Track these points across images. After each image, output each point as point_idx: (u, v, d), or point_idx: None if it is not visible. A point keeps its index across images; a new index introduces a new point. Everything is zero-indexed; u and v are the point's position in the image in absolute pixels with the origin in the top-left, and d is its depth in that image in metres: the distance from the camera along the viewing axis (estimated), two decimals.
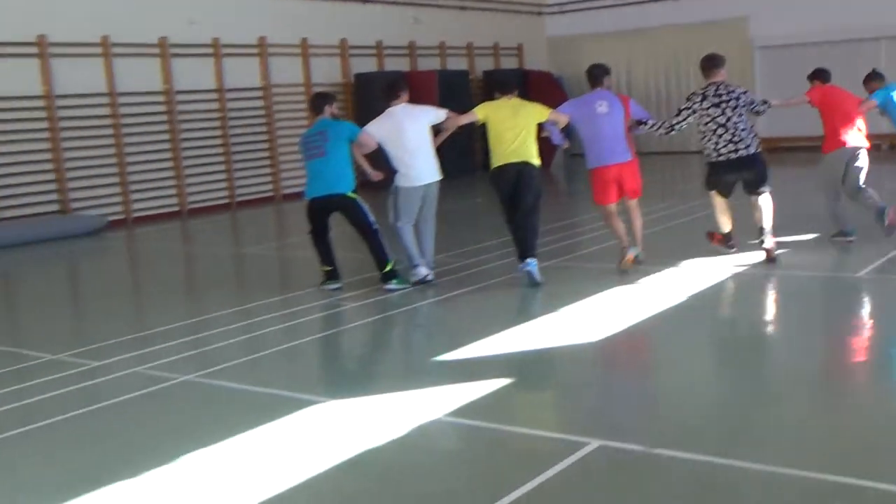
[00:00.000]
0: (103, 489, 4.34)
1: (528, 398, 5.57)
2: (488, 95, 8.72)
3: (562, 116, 8.53)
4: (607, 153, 8.44)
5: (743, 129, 8.32)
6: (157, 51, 15.17)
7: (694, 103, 8.47)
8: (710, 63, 8.54)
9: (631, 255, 8.59)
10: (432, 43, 20.16)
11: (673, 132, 8.70)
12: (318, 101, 8.64)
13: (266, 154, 17.01)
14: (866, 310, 7.31)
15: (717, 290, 7.89)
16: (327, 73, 17.96)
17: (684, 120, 8.52)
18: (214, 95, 16.02)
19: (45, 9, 13.75)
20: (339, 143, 8.25)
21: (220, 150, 16.22)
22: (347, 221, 8.43)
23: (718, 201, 8.74)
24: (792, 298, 7.72)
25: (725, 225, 8.83)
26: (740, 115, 8.33)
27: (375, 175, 8.52)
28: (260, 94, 16.80)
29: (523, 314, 7.61)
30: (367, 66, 18.53)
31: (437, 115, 8.63)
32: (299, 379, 6.09)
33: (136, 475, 4.47)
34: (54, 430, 5.27)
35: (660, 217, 11.65)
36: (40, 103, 13.77)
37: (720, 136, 8.34)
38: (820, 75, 9.49)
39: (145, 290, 10.08)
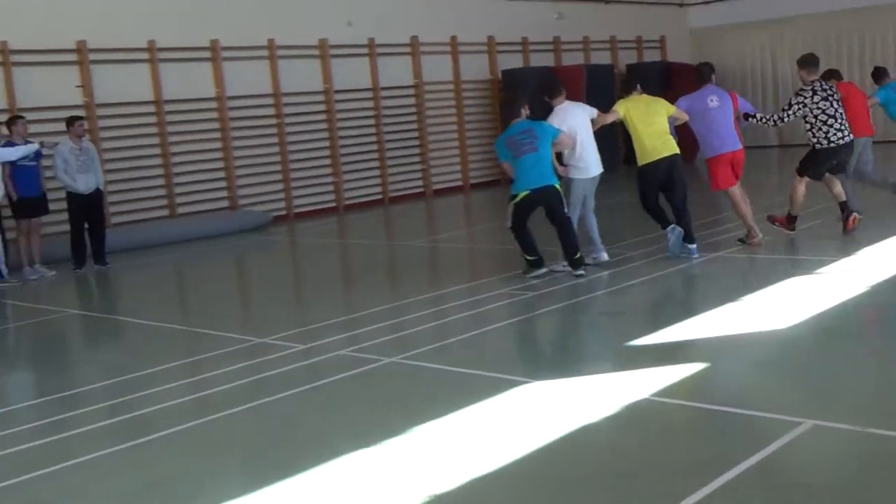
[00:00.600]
0: (342, 457, 4.72)
1: (731, 380, 5.69)
2: (625, 91, 9.32)
3: (682, 113, 9.29)
4: (725, 141, 9.27)
5: (844, 120, 9.46)
6: (317, 52, 15.82)
7: (805, 98, 9.37)
8: (814, 61, 9.68)
9: (758, 237, 9.39)
10: (576, 38, 20.29)
11: (780, 124, 9.72)
12: (514, 105, 8.99)
13: (417, 151, 17.47)
14: None
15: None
16: (475, 69, 18.32)
17: (794, 113, 9.45)
18: (369, 94, 16.58)
19: (219, 16, 14.53)
20: (546, 140, 8.68)
21: (375, 146, 16.77)
22: (546, 212, 8.80)
23: (803, 187, 9.62)
24: None
25: (797, 209, 9.72)
26: (840, 106, 9.48)
27: (563, 171, 9.08)
28: (412, 91, 17.28)
29: (705, 301, 7.73)
30: (514, 62, 18.80)
31: (592, 111, 9.24)
32: (501, 361, 6.37)
33: (367, 446, 4.83)
34: (284, 403, 5.73)
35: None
36: (213, 105, 14.57)
37: (830, 125, 9.36)
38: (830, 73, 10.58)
39: (324, 281, 10.60)
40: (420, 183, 17.60)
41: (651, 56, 21.95)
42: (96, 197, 11.53)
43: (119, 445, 5.15)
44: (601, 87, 17.89)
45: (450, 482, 4.32)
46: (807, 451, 4.47)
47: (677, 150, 9.06)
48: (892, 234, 9.46)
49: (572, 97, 9.76)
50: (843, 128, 9.44)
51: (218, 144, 14.70)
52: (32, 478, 4.76)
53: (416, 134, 17.45)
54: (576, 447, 4.72)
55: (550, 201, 8.71)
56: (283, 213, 15.49)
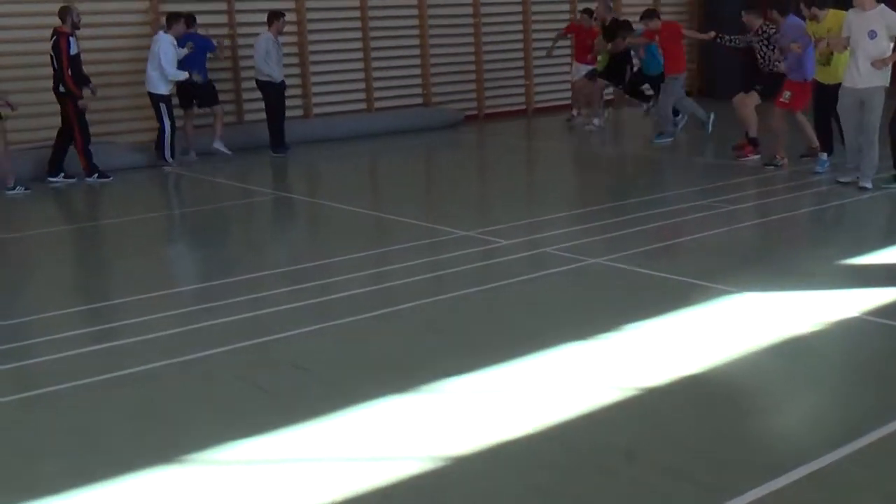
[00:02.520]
0: (550, 350, 4.97)
1: None
2: None
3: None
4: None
5: None
6: None
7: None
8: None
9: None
10: None
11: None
12: None
13: None
14: None
15: None
16: None
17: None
18: None
19: None
20: None
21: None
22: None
23: None
24: None
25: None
26: None
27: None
28: None
29: None
30: None
31: None
32: (710, 270, 6.41)
33: (576, 340, 5.07)
34: (499, 292, 6.04)
35: None
36: (413, 1, 14.78)
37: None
38: None
39: (518, 181, 10.82)
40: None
41: None
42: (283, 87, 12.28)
43: (376, 311, 5.60)
44: None
45: (658, 378, 4.51)
46: None
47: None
48: None
49: None
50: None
51: (416, 41, 14.96)
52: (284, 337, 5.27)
53: None
54: (782, 358, 4.80)
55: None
56: (475, 112, 15.70)
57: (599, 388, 4.42)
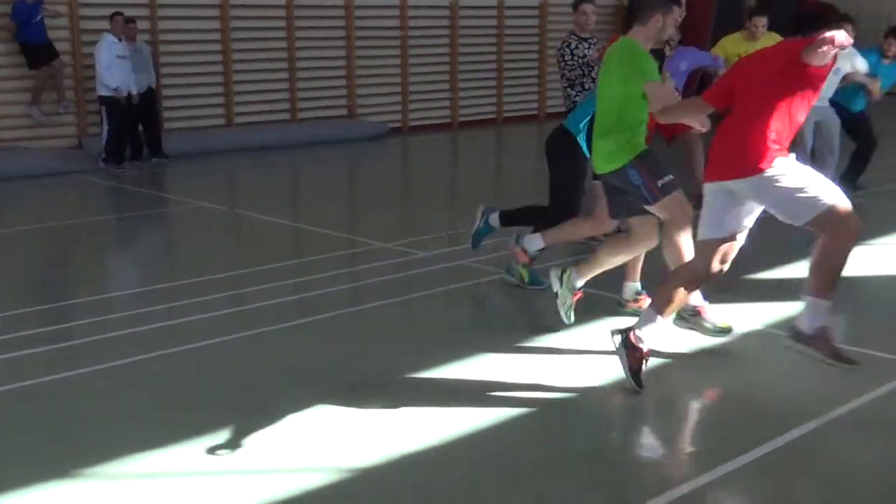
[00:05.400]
0: (468, 361, 4.97)
1: (850, 320, 5.74)
2: None
3: None
4: None
5: None
6: None
7: None
8: None
9: None
10: None
11: None
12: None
13: (535, 73, 17.42)
14: None
15: None
16: None
17: None
18: (494, 12, 16.53)
19: None
20: None
21: (494, 66, 16.78)
22: None
23: None
24: None
25: None
26: None
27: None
28: (536, 13, 17.16)
29: None
30: None
31: None
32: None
33: (497, 350, 5.07)
34: (414, 304, 6.01)
35: None
36: (340, 13, 14.75)
37: None
38: None
39: (439, 194, 10.83)
40: (535, 105, 17.58)
41: None
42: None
43: (289, 322, 5.53)
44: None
45: (565, 390, 4.53)
46: None
47: None
48: None
49: None
50: None
51: (342, 52, 14.92)
52: (145, 359, 5.17)
53: (535, 56, 17.37)
54: (690, 371, 4.87)
55: None
56: (399, 125, 15.71)
57: (509, 399, 4.43)
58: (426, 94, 16.07)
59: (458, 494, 3.59)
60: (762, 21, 8.62)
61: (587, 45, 7.61)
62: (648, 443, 4.04)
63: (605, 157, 5.06)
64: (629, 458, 3.89)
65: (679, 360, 4.96)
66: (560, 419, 4.27)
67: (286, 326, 5.58)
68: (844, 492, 3.59)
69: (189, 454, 3.89)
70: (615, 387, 4.57)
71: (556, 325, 5.40)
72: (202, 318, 5.72)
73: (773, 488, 3.61)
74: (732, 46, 8.63)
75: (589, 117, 5.87)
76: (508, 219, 6.52)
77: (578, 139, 6.14)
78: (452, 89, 16.30)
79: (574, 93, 7.66)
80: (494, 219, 6.53)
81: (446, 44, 16.10)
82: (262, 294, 6.19)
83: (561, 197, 6.22)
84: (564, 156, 6.26)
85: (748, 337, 5.34)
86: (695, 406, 4.58)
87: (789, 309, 5.69)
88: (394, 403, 4.39)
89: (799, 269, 6.64)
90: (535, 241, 6.07)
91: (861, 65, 8.69)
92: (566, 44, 7.70)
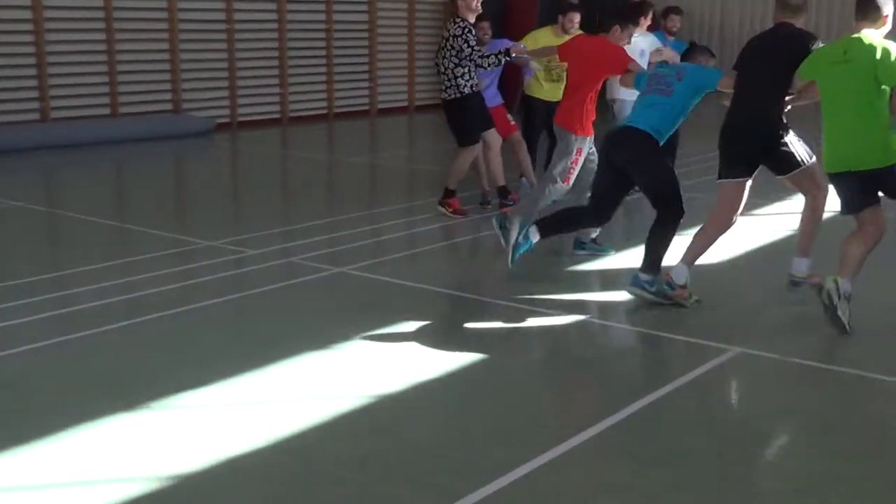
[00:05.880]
0: (294, 360, 4.93)
1: (664, 307, 6.03)
2: None
3: None
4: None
5: (444, 71, 8.12)
6: None
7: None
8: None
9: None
10: None
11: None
12: None
13: (366, 68, 17.41)
14: None
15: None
16: None
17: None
18: (322, 6, 16.41)
19: None
20: None
21: (323, 60, 16.67)
22: None
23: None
24: None
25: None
26: (447, 55, 8.08)
27: None
28: (365, 7, 17.14)
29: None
30: None
31: None
32: (456, 278, 6.56)
33: (325, 348, 5.06)
34: (241, 303, 5.90)
35: None
36: (163, 3, 14.27)
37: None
38: None
39: (269, 191, 10.67)
40: (366, 101, 17.58)
41: None
42: None
43: (113, 325, 5.30)
44: None
45: (395, 385, 4.57)
46: (735, 373, 4.83)
47: None
48: None
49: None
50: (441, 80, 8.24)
51: (165, 45, 14.46)
52: None
53: (366, 51, 17.37)
54: (515, 360, 5.00)
55: None
56: (227, 120, 15.37)
57: (337, 397, 4.43)
58: (255, 89, 15.77)
59: (287, 497, 3.56)
60: (576, 17, 8.91)
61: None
62: (476, 432, 4.11)
63: (883, 150, 5.21)
64: (463, 448, 3.95)
65: (499, 356, 5.08)
66: (386, 416, 4.30)
67: (110, 328, 5.37)
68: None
69: (7, 465, 3.69)
70: (446, 379, 4.64)
71: (383, 321, 5.44)
72: (21, 322, 5.44)
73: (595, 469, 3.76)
74: (543, 39, 8.86)
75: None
76: (547, 228, 6.34)
77: (656, 138, 6.00)
78: (282, 84, 16.09)
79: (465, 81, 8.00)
80: (533, 232, 6.28)
81: (274, 38, 15.86)
82: (83, 296, 5.94)
83: (676, 195, 5.97)
84: (659, 156, 6.11)
85: (570, 327, 5.53)
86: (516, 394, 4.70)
87: (611, 299, 5.95)
88: (220, 408, 4.31)
89: (616, 261, 6.96)
90: (681, 272, 5.84)
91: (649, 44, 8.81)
92: (467, 30, 7.88)
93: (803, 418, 4.30)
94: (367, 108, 17.55)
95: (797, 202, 6.50)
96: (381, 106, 17.70)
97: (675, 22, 9.86)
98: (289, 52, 16.02)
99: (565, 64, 7.56)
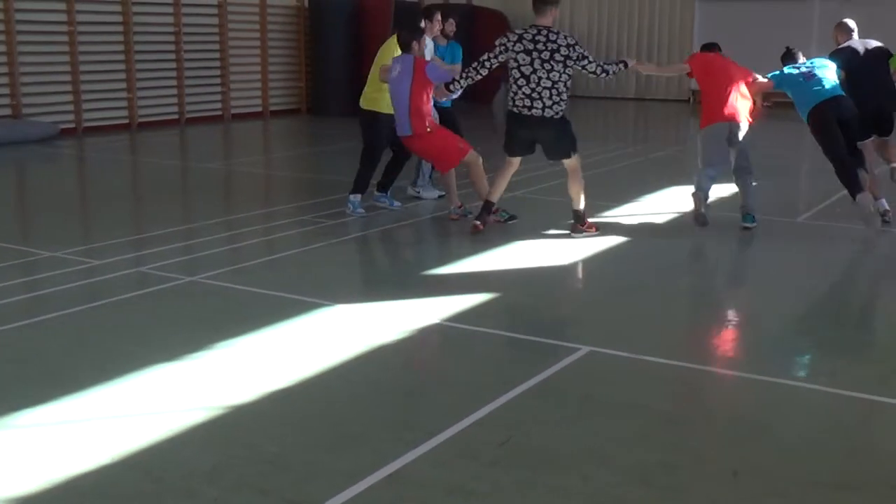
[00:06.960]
0: (142, 373, 4.80)
1: (518, 309, 6.15)
2: None
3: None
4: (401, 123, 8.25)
5: (546, 88, 7.37)
6: None
7: (507, 41, 7.47)
8: (541, 1, 7.46)
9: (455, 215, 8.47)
10: None
11: (478, 78, 7.76)
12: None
13: (217, 72, 17.09)
14: None
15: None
16: None
17: (488, 62, 7.59)
18: (170, 9, 16.00)
19: None
20: None
21: (173, 65, 16.26)
22: None
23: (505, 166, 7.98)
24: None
25: (493, 194, 7.96)
26: (551, 68, 7.36)
27: None
28: (215, 11, 16.82)
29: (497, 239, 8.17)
30: None
31: None
32: (303, 284, 6.52)
33: (174, 359, 4.93)
34: (86, 315, 5.69)
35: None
36: None
37: (520, 87, 7.44)
38: (706, 46, 8.72)
39: (116, 198, 10.32)
40: (219, 106, 17.25)
41: None
42: None
43: None
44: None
45: (249, 395, 4.51)
46: (586, 372, 4.96)
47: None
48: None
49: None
50: (535, 97, 7.40)
51: (3, 48, 13.80)
52: None
53: (217, 55, 17.04)
54: (370, 366, 5.01)
55: None
56: (72, 126, 14.80)
57: (186, 409, 4.32)
58: (101, 94, 15.26)
59: None
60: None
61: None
62: (327, 441, 4.09)
63: None
64: (315, 457, 3.92)
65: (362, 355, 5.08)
66: (237, 427, 4.23)
67: None
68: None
69: None
70: (299, 389, 4.60)
71: (234, 330, 5.35)
72: None
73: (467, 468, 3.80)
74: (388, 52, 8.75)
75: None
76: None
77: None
78: (129, 89, 15.60)
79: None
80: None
81: (120, 41, 15.36)
82: None
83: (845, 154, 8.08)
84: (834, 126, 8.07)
85: (426, 330, 5.57)
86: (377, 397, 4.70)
87: (464, 303, 6.03)
88: (61, 426, 4.14)
89: (470, 265, 7.07)
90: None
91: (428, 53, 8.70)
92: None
93: (645, 412, 4.46)
94: (220, 113, 17.24)
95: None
96: (234, 111, 17.40)
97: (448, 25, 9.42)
98: (136, 55, 15.56)
99: None
